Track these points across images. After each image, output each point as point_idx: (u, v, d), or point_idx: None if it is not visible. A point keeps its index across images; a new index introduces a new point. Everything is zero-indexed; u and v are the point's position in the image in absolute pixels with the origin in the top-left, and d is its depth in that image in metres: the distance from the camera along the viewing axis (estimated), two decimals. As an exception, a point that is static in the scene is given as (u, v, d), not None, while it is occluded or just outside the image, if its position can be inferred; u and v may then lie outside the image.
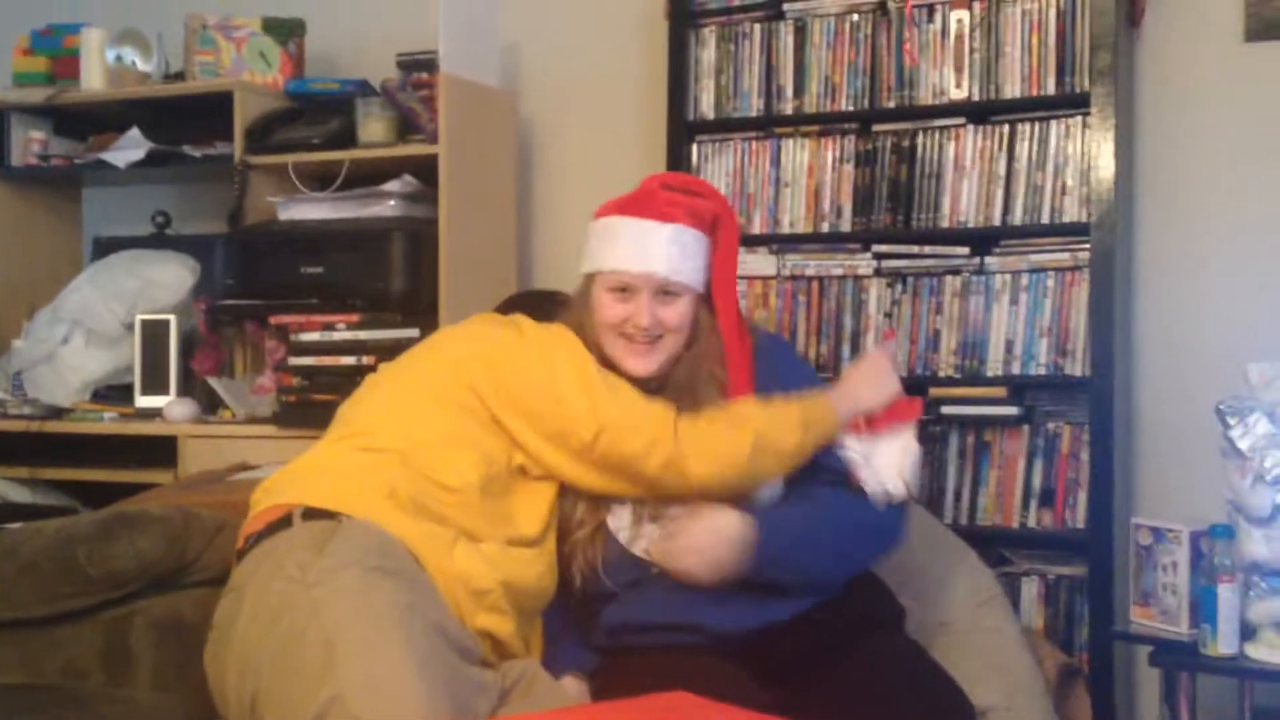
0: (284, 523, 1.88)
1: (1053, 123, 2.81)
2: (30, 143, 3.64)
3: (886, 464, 2.11)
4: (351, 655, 1.65)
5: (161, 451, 3.13)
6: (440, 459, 1.98)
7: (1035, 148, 2.82)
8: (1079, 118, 2.78)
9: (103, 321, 3.31)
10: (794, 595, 2.07)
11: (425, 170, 3.17)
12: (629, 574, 2.08)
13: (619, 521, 2.11)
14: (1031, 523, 2.79)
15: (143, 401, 3.27)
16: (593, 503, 2.10)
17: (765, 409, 2.08)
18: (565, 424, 2.03)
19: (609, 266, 2.14)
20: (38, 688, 2.05)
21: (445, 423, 2.03)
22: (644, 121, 3.35)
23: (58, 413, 3.30)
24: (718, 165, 3.10)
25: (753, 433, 2.04)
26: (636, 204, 2.18)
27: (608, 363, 2.14)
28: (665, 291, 2.12)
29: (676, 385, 2.14)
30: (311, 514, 1.88)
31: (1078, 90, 2.77)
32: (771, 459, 2.06)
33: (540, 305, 2.34)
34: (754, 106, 3.08)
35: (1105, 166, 2.72)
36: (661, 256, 2.11)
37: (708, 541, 2.01)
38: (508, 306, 2.42)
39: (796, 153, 3.03)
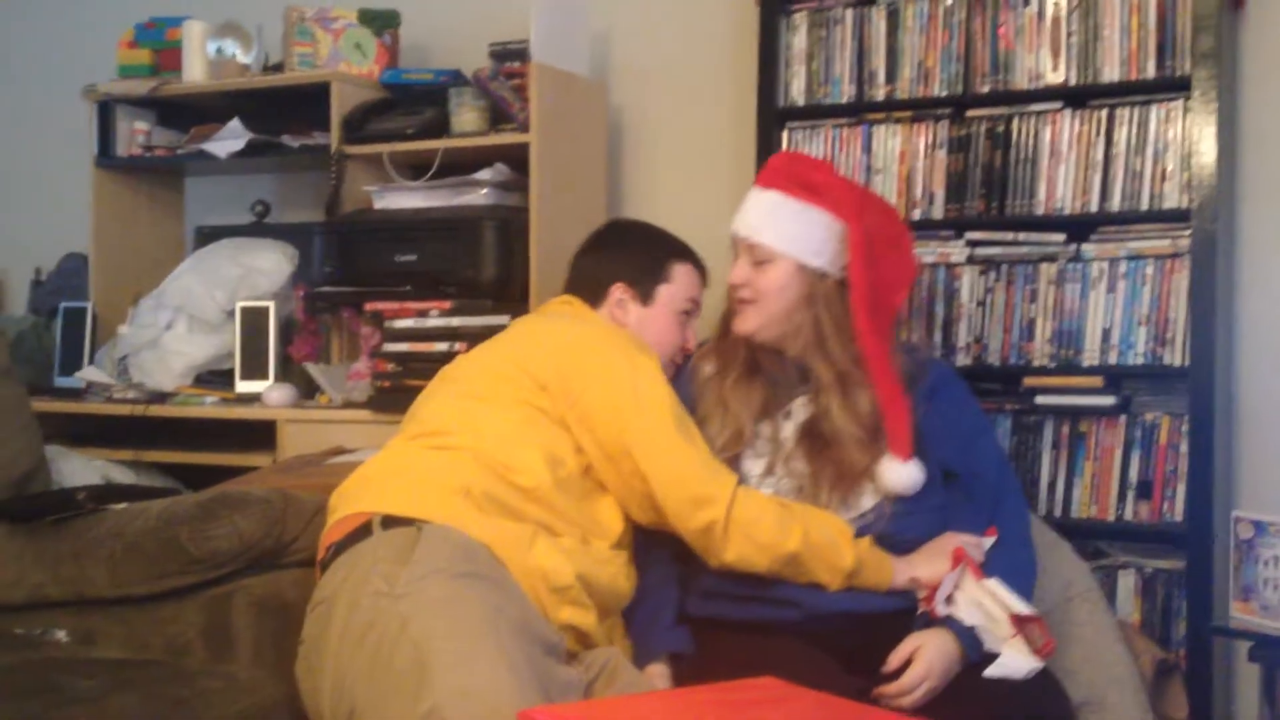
0: (364, 531, 1.91)
1: (1153, 107, 2.75)
2: (134, 134, 3.72)
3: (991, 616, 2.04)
4: (444, 666, 1.67)
5: (260, 435, 3.19)
6: (513, 457, 1.99)
7: (1134, 132, 2.76)
8: (1180, 102, 2.71)
9: (204, 308, 3.39)
10: None
11: (517, 159, 3.20)
12: None
13: (751, 468, 2.14)
14: (1128, 515, 2.74)
15: (243, 386, 3.33)
16: (730, 440, 2.15)
17: (832, 520, 2.07)
18: (623, 446, 2.04)
19: (732, 226, 2.28)
20: (142, 663, 2.11)
21: (516, 420, 2.04)
22: (734, 109, 3.34)
23: (161, 397, 3.37)
24: (809, 152, 3.07)
25: (802, 537, 2.01)
26: (764, 173, 2.34)
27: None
28: (758, 259, 2.19)
29: (819, 369, 2.17)
30: (390, 521, 1.90)
31: (1178, 74, 2.71)
32: (813, 569, 2.03)
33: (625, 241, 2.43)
34: (845, 93, 3.05)
35: (1207, 152, 2.65)
36: (752, 219, 2.21)
37: (946, 673, 1.99)
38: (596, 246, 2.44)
39: (888, 139, 3.01)
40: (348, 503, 2.00)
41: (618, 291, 2.32)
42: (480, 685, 1.65)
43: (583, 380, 2.06)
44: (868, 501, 2.14)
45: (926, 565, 2.09)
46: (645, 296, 2.33)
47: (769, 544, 2.01)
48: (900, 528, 2.13)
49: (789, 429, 2.19)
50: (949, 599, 2.03)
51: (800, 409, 2.20)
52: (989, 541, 2.14)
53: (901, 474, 2.13)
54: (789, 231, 2.18)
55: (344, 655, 1.77)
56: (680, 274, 2.36)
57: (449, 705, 1.63)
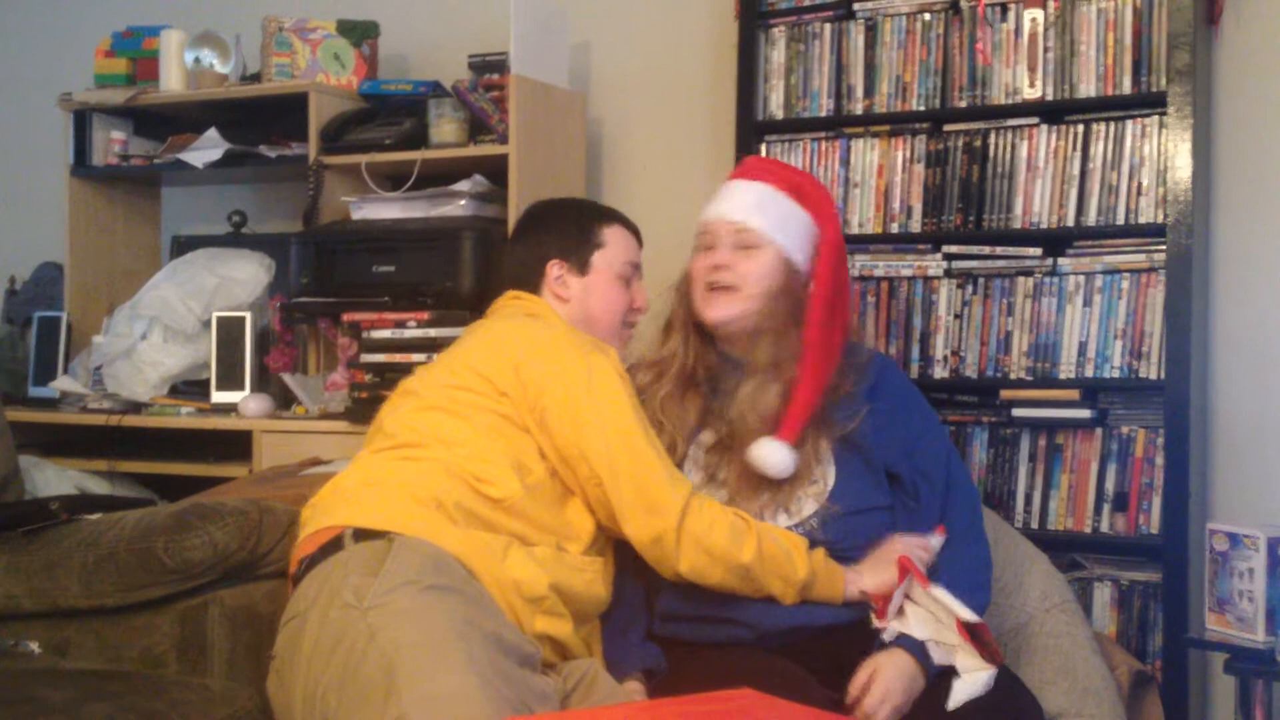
0: (336, 545, 1.89)
1: (1128, 122, 2.77)
2: (111, 143, 3.71)
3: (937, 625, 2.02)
4: (411, 676, 1.66)
5: (236, 446, 3.18)
6: (482, 468, 1.98)
7: (1110, 148, 2.78)
8: (1155, 117, 2.74)
9: (180, 318, 3.37)
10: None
11: (496, 170, 3.20)
12: None
13: (691, 479, 2.12)
14: (1104, 527, 2.75)
15: (218, 397, 3.32)
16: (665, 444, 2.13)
17: (785, 533, 2.05)
18: (579, 450, 2.02)
19: (699, 222, 2.27)
20: (115, 674, 2.09)
21: (482, 430, 2.02)
22: (713, 122, 3.35)
23: (136, 407, 3.36)
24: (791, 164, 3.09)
25: (756, 548, 1.98)
26: (734, 171, 2.36)
27: (696, 329, 2.23)
28: (744, 245, 2.17)
29: (757, 360, 2.16)
30: (362, 534, 1.88)
31: (1154, 89, 2.73)
32: (767, 581, 2.00)
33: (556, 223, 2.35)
34: (824, 106, 3.07)
35: (1182, 167, 2.68)
36: (739, 205, 2.20)
37: (908, 692, 1.98)
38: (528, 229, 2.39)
39: (866, 153, 3.02)
40: (319, 516, 1.98)
41: (554, 269, 2.27)
42: (448, 693, 1.64)
43: (539, 385, 2.04)
44: (810, 506, 2.11)
45: (873, 576, 2.06)
46: (581, 266, 2.28)
47: (722, 555, 1.98)
48: (844, 533, 2.11)
49: (707, 440, 2.18)
50: (900, 611, 2.02)
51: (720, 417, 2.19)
52: (938, 540, 2.11)
53: (770, 450, 2.07)
54: (777, 222, 2.19)
55: (315, 668, 1.76)
56: (612, 236, 2.32)
57: (416, 713, 1.62)
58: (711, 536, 1.98)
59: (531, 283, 2.28)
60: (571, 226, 2.31)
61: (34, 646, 2.19)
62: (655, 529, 1.98)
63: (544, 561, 1.95)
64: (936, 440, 2.26)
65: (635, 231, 2.39)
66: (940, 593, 2.00)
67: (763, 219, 2.18)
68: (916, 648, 1.99)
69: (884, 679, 1.95)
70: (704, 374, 2.21)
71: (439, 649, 1.69)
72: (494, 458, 1.99)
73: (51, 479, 2.95)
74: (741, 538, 1.99)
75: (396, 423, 2.08)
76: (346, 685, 1.70)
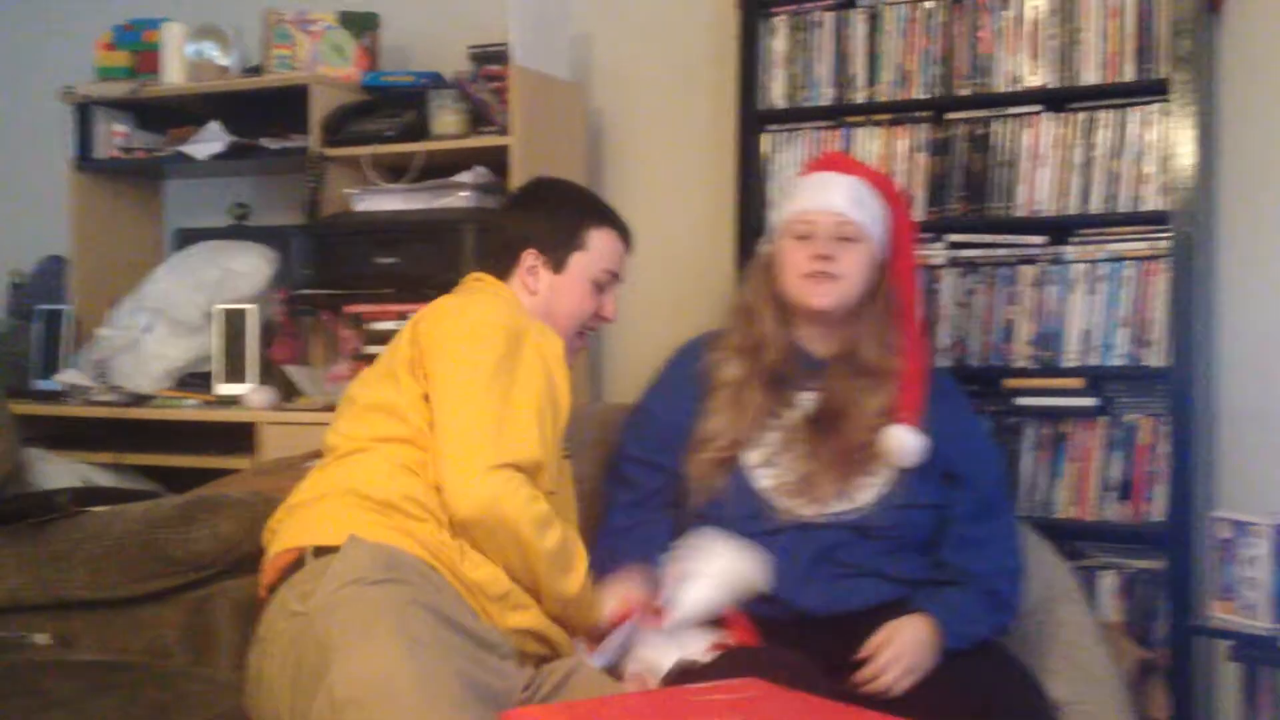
0: (297, 565, 1.88)
1: (1131, 110, 2.76)
2: (113, 136, 3.71)
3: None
4: (341, 652, 1.66)
5: (240, 438, 3.18)
6: (425, 456, 1.94)
7: (1113, 135, 2.78)
8: (1158, 104, 2.73)
9: (184, 311, 3.37)
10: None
11: (497, 161, 3.20)
12: (746, 507, 2.13)
13: (749, 459, 2.16)
14: (1109, 515, 2.75)
15: (222, 389, 3.32)
16: (732, 442, 2.16)
17: (578, 546, 1.99)
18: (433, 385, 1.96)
19: (791, 212, 2.26)
20: (122, 665, 2.10)
21: (417, 415, 1.97)
22: (714, 112, 3.35)
23: (140, 400, 3.36)
24: (789, 155, 3.09)
25: (556, 545, 1.91)
26: (818, 163, 2.36)
27: (788, 337, 2.22)
28: (843, 236, 2.20)
29: (856, 354, 2.20)
30: (323, 551, 1.86)
31: (1157, 77, 2.73)
32: (546, 573, 1.92)
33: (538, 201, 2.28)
34: (825, 96, 3.06)
35: (1186, 154, 2.67)
36: (839, 197, 2.22)
37: (920, 656, 2.01)
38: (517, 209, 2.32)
39: (868, 142, 3.01)
40: (278, 539, 1.95)
41: (529, 258, 2.17)
42: (374, 661, 1.63)
43: (430, 339, 2.00)
44: (866, 496, 2.15)
45: (608, 606, 2.04)
46: (557, 264, 2.18)
47: (519, 526, 1.87)
48: (897, 523, 2.14)
49: (792, 419, 2.20)
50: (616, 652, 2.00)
51: (806, 403, 2.22)
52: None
53: (905, 438, 2.13)
54: (871, 216, 2.23)
55: (277, 681, 1.76)
56: (597, 241, 2.21)
57: (342, 686, 1.62)
58: (523, 509, 1.88)
59: (504, 263, 2.19)
60: (560, 219, 2.21)
61: (41, 639, 2.20)
62: (464, 468, 1.89)
63: None
64: (996, 458, 2.36)
65: (627, 238, 2.28)
66: (682, 626, 2.00)
67: (861, 212, 2.22)
68: (940, 618, 2.03)
69: (897, 641, 1.99)
70: (781, 363, 2.24)
71: (370, 624, 1.69)
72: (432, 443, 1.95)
73: (57, 472, 2.95)
74: (546, 525, 1.91)
75: (336, 436, 2.03)
76: (298, 683, 1.71)
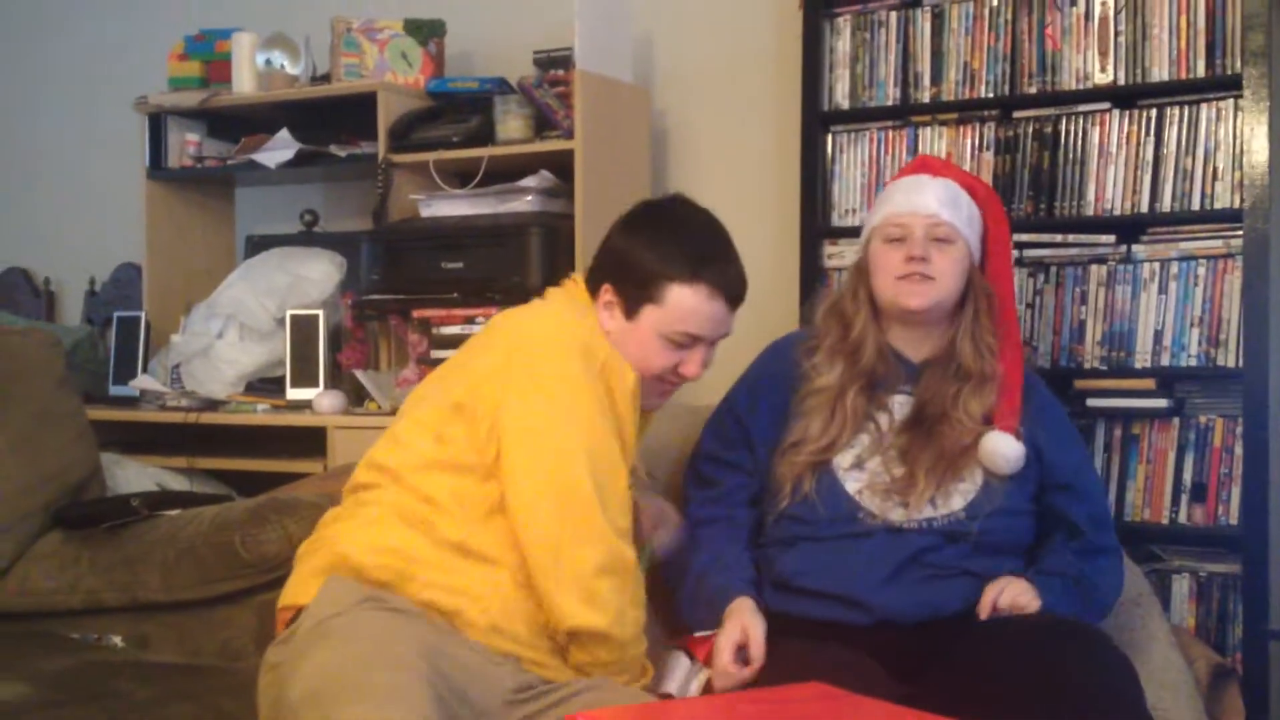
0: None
1: (1203, 106, 2.72)
2: (185, 145, 3.77)
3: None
4: (300, 660, 1.69)
5: (311, 442, 3.22)
6: (429, 509, 1.87)
7: (1184, 132, 2.73)
8: (1230, 101, 2.68)
9: (255, 317, 3.42)
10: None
11: (562, 166, 3.21)
12: (835, 510, 2.12)
13: (841, 461, 2.16)
14: (1182, 519, 2.71)
15: (293, 394, 3.37)
16: (827, 445, 2.15)
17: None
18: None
19: (883, 215, 2.24)
20: (198, 669, 2.14)
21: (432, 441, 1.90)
22: (778, 113, 3.34)
23: (213, 405, 3.41)
24: (853, 155, 3.07)
25: (643, 649, 1.90)
26: (910, 168, 2.34)
27: (882, 340, 2.20)
28: (937, 237, 2.19)
29: (953, 357, 2.19)
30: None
31: (1229, 72, 2.68)
32: (615, 661, 1.88)
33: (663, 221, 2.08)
34: (890, 95, 3.04)
35: (1259, 150, 2.62)
36: (932, 199, 2.21)
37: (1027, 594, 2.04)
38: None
39: (934, 141, 2.99)
40: (284, 593, 1.93)
41: (606, 294, 2.00)
42: (327, 655, 1.66)
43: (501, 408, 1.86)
44: (958, 502, 2.13)
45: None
46: (629, 310, 1.98)
47: (620, 601, 1.85)
48: (988, 529, 2.11)
49: (887, 423, 2.19)
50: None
51: (900, 406, 2.20)
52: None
53: (1005, 445, 2.11)
54: (966, 219, 2.22)
55: None
56: (676, 299, 1.96)
57: (297, 686, 1.64)
58: (630, 627, 1.86)
59: (593, 284, 2.04)
60: (644, 263, 1.97)
61: (117, 640, 2.24)
62: (556, 538, 1.82)
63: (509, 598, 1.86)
64: (1095, 474, 2.35)
65: (728, 297, 1.99)
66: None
67: (955, 214, 2.21)
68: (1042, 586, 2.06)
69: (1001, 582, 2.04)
70: (877, 366, 2.23)
71: (327, 631, 1.71)
72: (441, 485, 1.86)
73: (132, 476, 3.01)
74: (642, 634, 1.89)
75: (367, 456, 1.97)
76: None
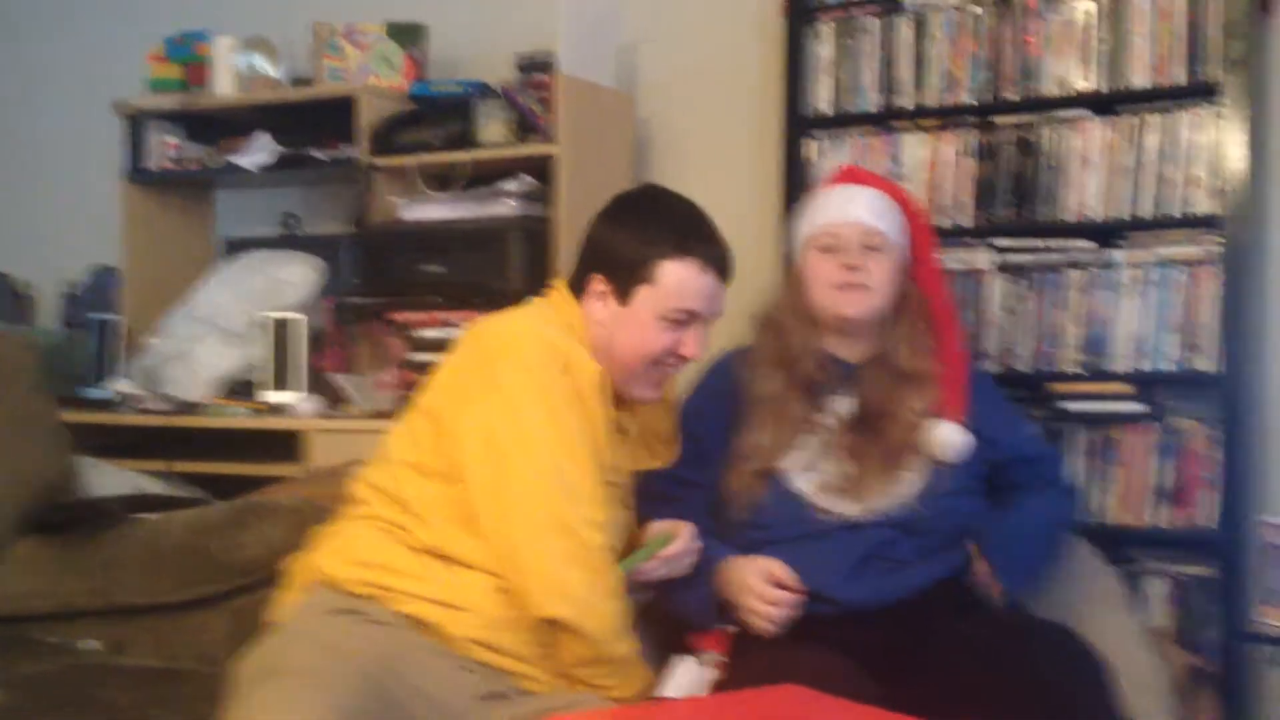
0: None
1: (1182, 113, 2.73)
2: (164, 147, 3.76)
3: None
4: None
5: (289, 446, 3.20)
6: (405, 517, 1.89)
7: (1163, 139, 2.75)
8: (1210, 108, 2.70)
9: (233, 320, 3.41)
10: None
11: (543, 170, 3.21)
12: (788, 512, 2.15)
13: (790, 464, 2.18)
14: (1159, 521, 2.72)
15: (272, 397, 3.35)
16: (773, 450, 2.17)
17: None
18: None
19: (816, 225, 2.27)
20: (176, 674, 2.12)
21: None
22: (760, 118, 3.34)
23: (191, 408, 3.40)
24: (835, 160, 3.07)
25: (626, 650, 1.88)
26: (837, 177, 2.38)
27: (818, 346, 2.23)
28: (870, 245, 2.23)
29: (890, 358, 2.23)
30: None
31: (1208, 80, 2.69)
32: (612, 672, 1.88)
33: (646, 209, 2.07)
34: (871, 101, 3.05)
35: (1237, 158, 2.64)
36: (864, 208, 2.25)
37: None
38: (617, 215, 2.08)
39: (915, 147, 3.00)
40: (272, 611, 1.95)
41: (597, 283, 1.99)
42: (265, 647, 1.71)
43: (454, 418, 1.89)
44: (907, 489, 2.17)
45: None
46: (622, 295, 1.98)
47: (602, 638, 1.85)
48: (939, 512, 2.15)
49: (833, 425, 2.21)
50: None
51: (841, 406, 2.23)
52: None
53: (951, 433, 2.17)
54: (895, 226, 2.26)
55: None
56: (670, 275, 1.97)
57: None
58: (608, 619, 1.85)
59: (577, 281, 2.04)
60: (631, 245, 1.98)
61: (94, 644, 2.23)
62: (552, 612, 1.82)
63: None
64: (1029, 427, 2.42)
65: (718, 269, 2.02)
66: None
67: (885, 223, 2.25)
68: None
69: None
70: (816, 371, 2.26)
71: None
72: (416, 491, 1.88)
73: (109, 479, 2.98)
74: (625, 631, 1.88)
75: (361, 472, 1.99)
76: None
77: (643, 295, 1.97)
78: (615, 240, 2.00)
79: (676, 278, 1.97)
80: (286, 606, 1.90)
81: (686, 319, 1.99)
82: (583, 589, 1.82)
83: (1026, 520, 2.23)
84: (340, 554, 1.87)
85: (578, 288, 2.03)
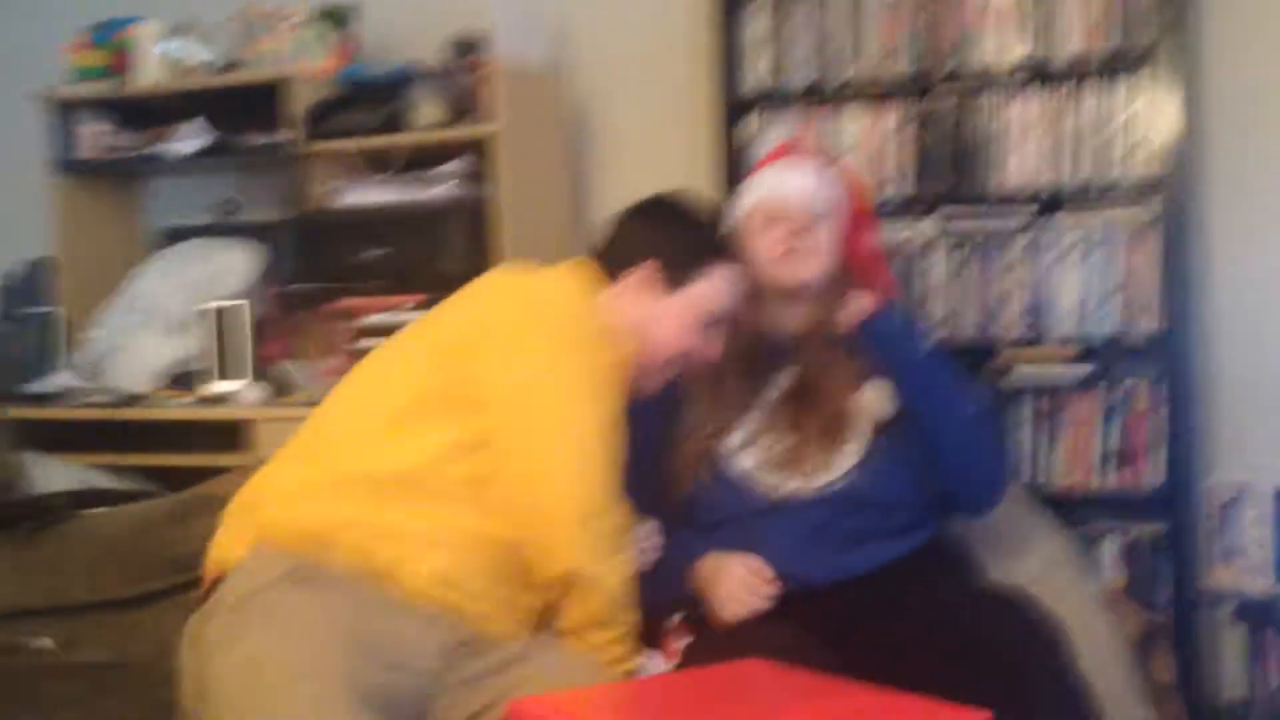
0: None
1: (1117, 80, 2.76)
2: (94, 136, 3.68)
3: None
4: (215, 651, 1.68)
5: (235, 435, 3.17)
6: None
7: (1100, 105, 2.78)
8: (1144, 73, 2.73)
9: (173, 309, 3.36)
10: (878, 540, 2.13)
11: (479, 151, 3.18)
12: (730, 491, 2.13)
13: (731, 441, 2.17)
14: (1108, 483, 2.76)
15: (216, 387, 3.31)
16: (716, 429, 2.16)
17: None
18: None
19: (758, 196, 2.25)
20: (124, 664, 2.10)
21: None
22: (696, 96, 3.33)
23: (133, 400, 3.34)
24: (771, 136, 3.07)
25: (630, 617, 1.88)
26: (776, 153, 2.36)
27: (756, 319, 2.20)
28: (815, 213, 2.22)
29: (826, 326, 2.21)
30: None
31: (1142, 45, 2.72)
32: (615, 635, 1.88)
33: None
34: (808, 76, 3.05)
35: (1172, 121, 2.68)
36: (805, 176, 2.25)
37: None
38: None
39: (854, 120, 3.01)
40: (212, 551, 1.89)
41: (649, 268, 1.99)
42: (246, 659, 1.64)
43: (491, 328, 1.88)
44: (848, 462, 2.15)
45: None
46: (674, 284, 2.00)
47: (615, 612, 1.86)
48: (879, 486, 2.15)
49: (772, 398, 2.22)
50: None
51: (783, 380, 2.23)
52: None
53: (879, 388, 2.17)
54: (836, 195, 2.28)
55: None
56: (723, 277, 2.04)
57: (219, 683, 1.65)
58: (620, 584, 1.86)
59: (618, 262, 2.01)
60: (699, 240, 2.05)
61: (46, 642, 2.19)
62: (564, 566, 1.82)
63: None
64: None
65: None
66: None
67: (827, 190, 2.26)
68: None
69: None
70: (753, 341, 2.24)
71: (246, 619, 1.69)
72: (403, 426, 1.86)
73: (56, 474, 2.94)
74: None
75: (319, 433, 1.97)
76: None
77: (694, 290, 2.01)
78: (676, 234, 2.05)
79: (728, 281, 2.05)
80: (224, 556, 1.82)
81: (717, 323, 2.05)
82: (607, 546, 1.83)
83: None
84: (288, 503, 1.82)
85: (616, 270, 2.01)
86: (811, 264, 2.22)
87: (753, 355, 2.24)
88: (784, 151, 2.39)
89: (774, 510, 2.13)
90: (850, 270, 2.28)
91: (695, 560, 2.10)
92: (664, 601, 2.10)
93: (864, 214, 2.35)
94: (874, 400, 2.18)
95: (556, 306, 1.92)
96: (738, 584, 2.04)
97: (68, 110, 3.68)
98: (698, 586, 2.08)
